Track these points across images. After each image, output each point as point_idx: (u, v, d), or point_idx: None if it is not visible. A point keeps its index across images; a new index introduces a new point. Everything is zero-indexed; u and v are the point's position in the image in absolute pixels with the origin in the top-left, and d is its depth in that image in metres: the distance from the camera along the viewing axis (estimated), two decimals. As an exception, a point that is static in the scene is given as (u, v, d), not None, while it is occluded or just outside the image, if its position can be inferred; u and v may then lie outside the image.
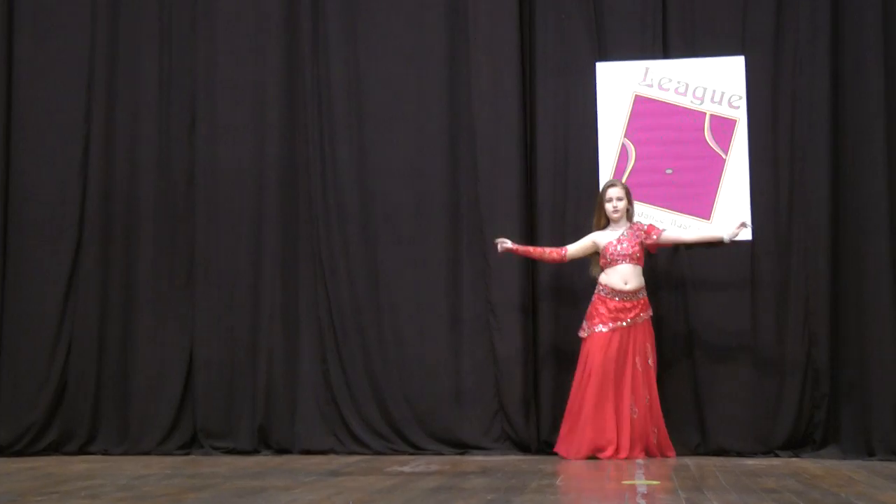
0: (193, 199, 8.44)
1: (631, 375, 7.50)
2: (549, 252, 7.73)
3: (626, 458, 7.37)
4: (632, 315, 7.56)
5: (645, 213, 7.84)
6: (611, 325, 7.54)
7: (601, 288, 7.64)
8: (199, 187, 8.44)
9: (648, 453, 7.48)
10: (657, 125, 7.96)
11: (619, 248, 7.59)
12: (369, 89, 8.38)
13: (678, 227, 7.75)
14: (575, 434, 7.52)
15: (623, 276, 7.56)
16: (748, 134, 7.84)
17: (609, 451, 7.41)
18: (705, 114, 7.90)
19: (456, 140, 8.27)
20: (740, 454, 7.76)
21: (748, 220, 7.60)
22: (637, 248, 7.59)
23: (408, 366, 8.20)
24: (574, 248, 7.72)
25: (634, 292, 7.57)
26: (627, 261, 7.56)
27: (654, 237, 7.63)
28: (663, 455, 7.53)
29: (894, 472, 6.73)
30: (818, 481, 6.31)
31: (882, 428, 7.54)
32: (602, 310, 7.58)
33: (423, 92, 8.32)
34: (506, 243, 7.72)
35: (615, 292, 7.57)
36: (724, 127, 7.87)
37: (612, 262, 7.58)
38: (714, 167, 7.85)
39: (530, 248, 7.78)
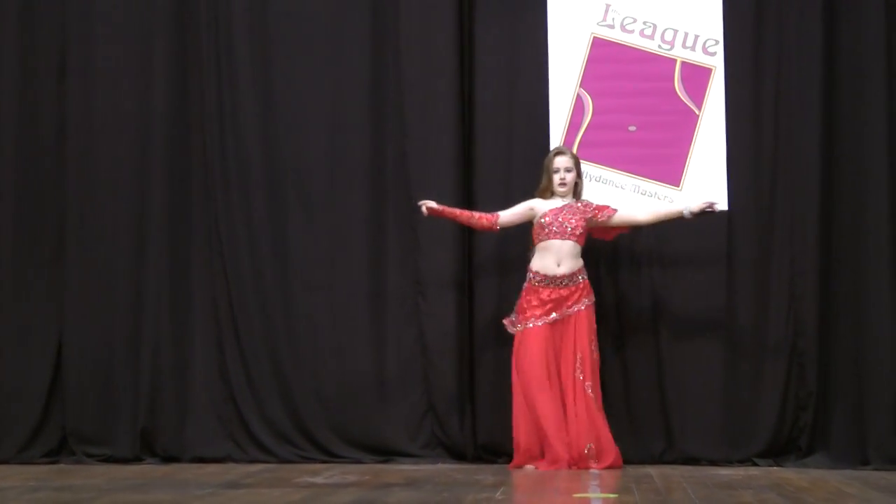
0: (64, 156, 8.36)
1: (573, 373, 7.52)
2: (479, 217, 7.72)
3: (579, 468, 7.42)
4: (570, 303, 7.58)
5: (603, 178, 7.92)
6: (546, 318, 7.57)
7: (531, 275, 7.65)
8: (70, 143, 8.35)
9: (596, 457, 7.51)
10: (619, 73, 7.99)
11: (559, 218, 7.59)
12: (276, 24, 8.32)
13: (633, 206, 7.78)
14: (529, 442, 7.58)
15: (557, 257, 7.57)
16: (726, 85, 7.90)
17: (562, 460, 7.46)
18: (675, 60, 7.96)
19: (380, 88, 8.26)
20: (712, 462, 7.83)
21: (722, 193, 7.71)
22: (581, 225, 7.59)
23: (321, 357, 8.20)
24: (507, 215, 7.72)
25: (571, 276, 7.58)
26: (566, 237, 7.56)
27: (607, 216, 7.62)
28: (598, 462, 7.48)
29: (891, 484, 6.81)
30: (803, 494, 6.35)
31: (878, 433, 7.61)
32: (534, 301, 7.62)
33: (341, 30, 8.28)
34: (430, 204, 7.72)
35: (547, 279, 7.59)
36: (697, 76, 7.92)
37: (548, 236, 7.57)
38: (685, 124, 7.91)
39: (457, 211, 7.77)
